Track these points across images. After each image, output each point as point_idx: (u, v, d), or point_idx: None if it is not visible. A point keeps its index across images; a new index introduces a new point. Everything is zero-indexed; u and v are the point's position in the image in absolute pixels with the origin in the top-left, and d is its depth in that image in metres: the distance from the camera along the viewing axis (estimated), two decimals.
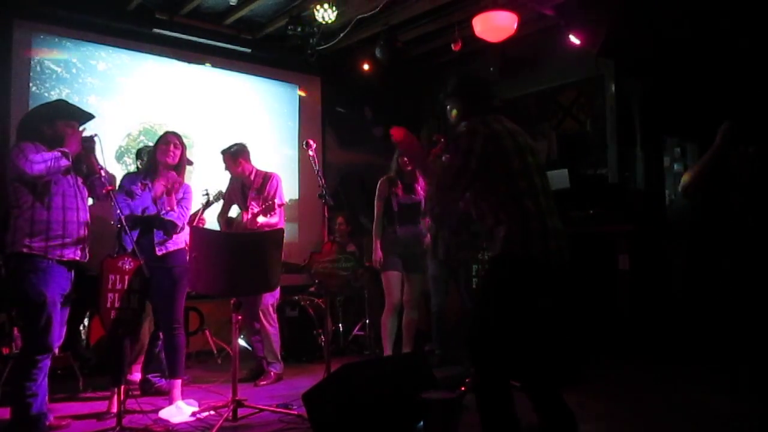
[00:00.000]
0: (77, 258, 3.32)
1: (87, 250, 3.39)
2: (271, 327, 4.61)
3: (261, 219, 4.37)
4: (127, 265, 3.25)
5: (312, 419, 2.97)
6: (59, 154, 3.20)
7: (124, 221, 3.43)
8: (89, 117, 3.53)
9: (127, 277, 3.23)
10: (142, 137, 5.90)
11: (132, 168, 5.38)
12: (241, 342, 5.03)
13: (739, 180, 2.90)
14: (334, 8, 5.39)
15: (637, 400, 3.90)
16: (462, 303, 4.85)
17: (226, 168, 4.69)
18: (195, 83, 6.35)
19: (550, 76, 6.49)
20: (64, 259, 3.26)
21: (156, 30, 5.91)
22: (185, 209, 3.95)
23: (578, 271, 3.15)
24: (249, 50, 6.55)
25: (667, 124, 5.81)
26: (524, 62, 6.40)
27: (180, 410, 3.61)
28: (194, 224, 4.33)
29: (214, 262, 3.47)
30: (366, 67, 6.65)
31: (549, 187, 2.58)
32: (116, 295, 3.19)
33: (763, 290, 2.99)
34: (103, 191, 3.39)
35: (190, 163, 4.18)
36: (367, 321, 5.86)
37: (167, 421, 3.49)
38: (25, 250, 3.15)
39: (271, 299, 4.62)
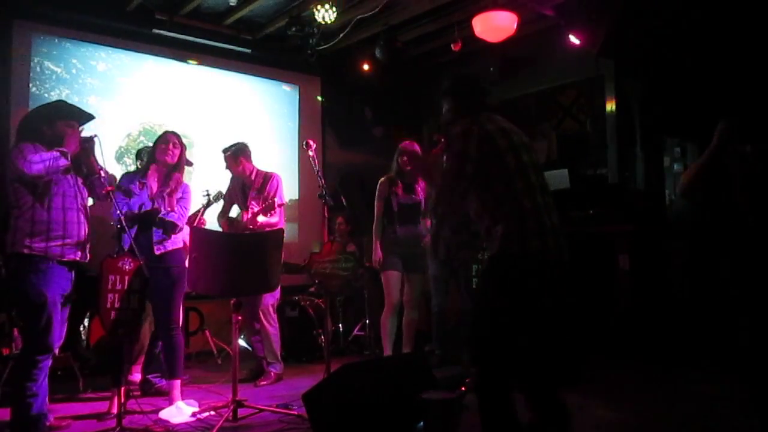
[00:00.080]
0: (78, 258, 3.32)
1: (87, 251, 3.39)
2: (271, 327, 4.61)
3: (261, 218, 4.38)
4: (127, 265, 3.25)
5: (312, 419, 2.97)
6: (58, 153, 3.19)
7: (123, 220, 3.43)
8: (89, 117, 3.52)
9: (127, 278, 3.23)
10: (142, 138, 5.90)
11: (132, 168, 5.38)
12: (241, 342, 5.03)
13: (737, 179, 2.89)
14: (334, 9, 5.39)
15: (637, 401, 3.89)
16: (462, 303, 4.85)
17: (227, 167, 4.69)
18: (195, 83, 6.35)
19: (550, 76, 6.48)
20: (65, 259, 3.25)
21: (156, 30, 5.91)
22: (184, 209, 3.95)
23: (578, 271, 3.15)
24: (249, 50, 6.56)
25: (667, 124, 5.81)
26: (524, 62, 6.40)
27: (180, 411, 3.61)
28: (194, 225, 4.33)
29: (215, 262, 3.48)
30: (366, 67, 6.66)
31: (546, 184, 2.57)
32: (116, 295, 3.19)
33: (763, 290, 2.99)
34: (103, 191, 3.39)
35: (190, 164, 4.18)
36: (367, 321, 5.86)
37: (167, 422, 3.49)
38: (25, 250, 3.14)
39: (271, 299, 4.62)
